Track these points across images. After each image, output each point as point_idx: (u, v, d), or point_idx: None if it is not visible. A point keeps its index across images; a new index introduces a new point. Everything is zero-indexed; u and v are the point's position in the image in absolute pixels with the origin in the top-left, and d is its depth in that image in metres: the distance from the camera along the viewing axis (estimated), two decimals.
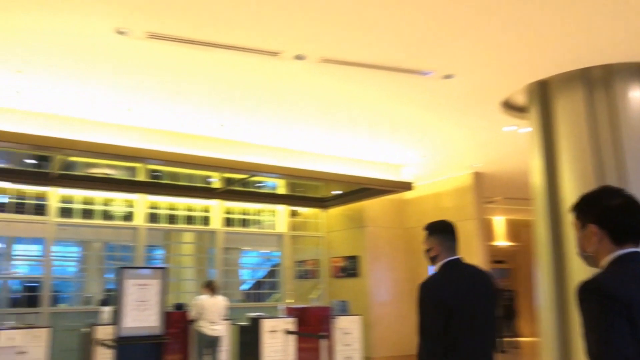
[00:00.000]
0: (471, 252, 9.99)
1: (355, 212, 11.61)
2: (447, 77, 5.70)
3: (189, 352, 8.08)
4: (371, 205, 11.42)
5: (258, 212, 11.78)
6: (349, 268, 11.47)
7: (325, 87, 6.21)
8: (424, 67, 5.52)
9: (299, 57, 5.11)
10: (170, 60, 5.36)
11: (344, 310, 10.21)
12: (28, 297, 10.51)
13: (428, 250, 2.84)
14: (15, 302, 9.29)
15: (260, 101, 6.65)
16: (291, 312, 9.63)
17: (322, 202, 11.95)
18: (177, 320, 8.17)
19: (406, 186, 10.02)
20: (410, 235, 11.67)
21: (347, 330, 9.81)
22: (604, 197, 1.89)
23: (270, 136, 8.16)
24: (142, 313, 4.96)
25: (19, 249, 9.95)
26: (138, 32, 4.61)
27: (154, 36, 4.67)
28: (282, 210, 11.94)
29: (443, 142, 8.61)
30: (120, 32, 4.60)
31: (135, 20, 4.52)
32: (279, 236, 11.84)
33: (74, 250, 10.84)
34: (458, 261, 2.80)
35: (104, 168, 10.08)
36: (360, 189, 10.65)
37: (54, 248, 9.40)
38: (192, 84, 6.14)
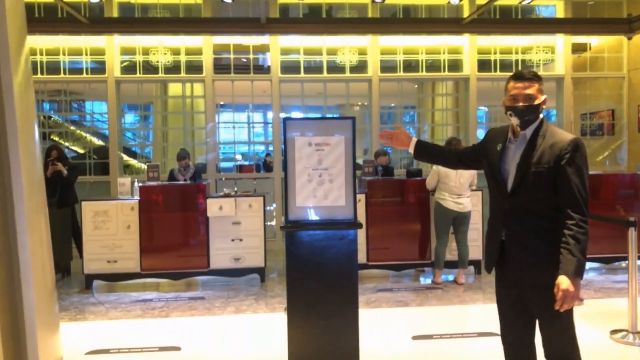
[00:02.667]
0: None
1: None
2: None
3: (428, 228, 6.30)
4: None
5: (528, 50, 8.72)
6: None
7: None
8: None
9: None
10: None
11: None
12: (259, 163, 10.11)
13: (536, 100, 2.41)
14: (243, 169, 8.81)
15: None
16: None
17: (625, 25, 8.15)
18: (415, 189, 6.39)
19: None
20: None
21: None
22: None
23: None
24: (321, 187, 3.16)
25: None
26: None
27: None
28: (562, 43, 8.62)
29: None
30: None
31: None
32: (558, 80, 8.68)
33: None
34: None
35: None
36: None
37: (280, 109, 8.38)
38: None
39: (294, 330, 3.31)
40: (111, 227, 5.95)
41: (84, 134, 12.38)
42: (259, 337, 4.37)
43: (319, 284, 3.25)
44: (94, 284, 6.09)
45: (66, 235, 6.62)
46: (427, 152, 2.92)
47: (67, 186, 6.65)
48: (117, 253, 5.96)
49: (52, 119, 11.05)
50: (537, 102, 2.39)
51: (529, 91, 2.38)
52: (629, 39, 8.33)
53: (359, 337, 3.34)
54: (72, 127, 12.52)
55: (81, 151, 11.58)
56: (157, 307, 5.33)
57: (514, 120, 2.44)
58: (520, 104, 2.39)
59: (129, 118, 15.27)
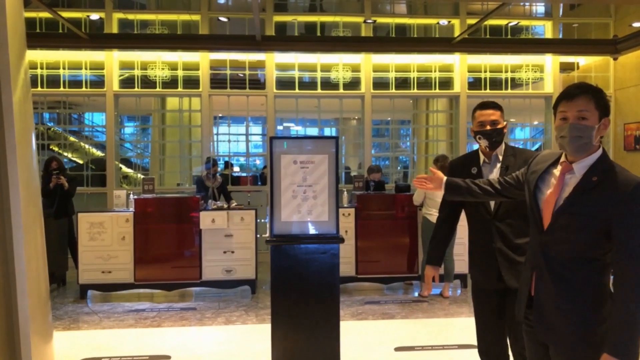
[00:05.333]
0: None
1: None
2: None
3: (416, 242, 6.45)
4: None
5: (517, 69, 8.93)
6: None
7: None
8: None
9: None
10: None
11: None
12: (256, 176, 10.30)
13: (499, 124, 2.78)
14: (239, 181, 8.99)
15: None
16: None
17: (612, 46, 8.38)
18: (403, 204, 6.56)
19: None
20: None
21: None
22: None
23: None
24: (305, 203, 3.33)
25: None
26: None
27: None
28: (550, 62, 8.84)
29: None
30: None
31: None
32: (547, 98, 8.90)
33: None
34: None
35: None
36: None
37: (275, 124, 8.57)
38: None
39: (277, 340, 3.46)
40: (106, 239, 6.10)
41: (83, 144, 12.58)
42: (247, 347, 4.51)
43: (302, 296, 3.41)
44: (88, 294, 6.24)
45: (62, 245, 6.77)
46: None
47: (66, 198, 6.80)
48: (112, 264, 6.11)
49: (52, 129, 11.22)
50: (500, 126, 2.77)
51: (493, 117, 2.78)
52: (615, 59, 8.56)
53: (339, 347, 3.49)
54: (72, 138, 12.73)
55: (80, 162, 11.77)
56: (150, 317, 5.47)
57: (483, 142, 2.78)
58: (488, 127, 2.76)
59: (128, 129, 15.40)
